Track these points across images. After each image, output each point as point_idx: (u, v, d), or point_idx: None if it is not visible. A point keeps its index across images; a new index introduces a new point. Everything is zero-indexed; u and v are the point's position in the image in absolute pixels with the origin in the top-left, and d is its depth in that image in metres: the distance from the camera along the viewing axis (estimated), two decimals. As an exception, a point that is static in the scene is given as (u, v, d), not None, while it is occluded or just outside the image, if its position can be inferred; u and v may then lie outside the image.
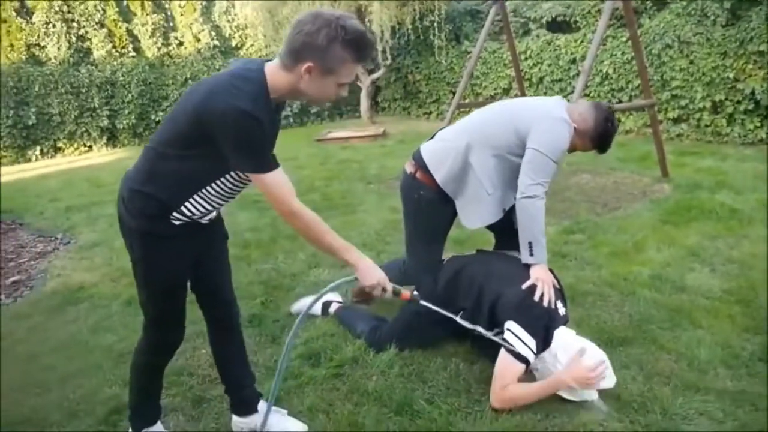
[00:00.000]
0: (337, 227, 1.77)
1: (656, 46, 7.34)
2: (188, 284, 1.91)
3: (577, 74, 7.91)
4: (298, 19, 1.58)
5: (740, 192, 4.73)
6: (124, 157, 9.54)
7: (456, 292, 2.41)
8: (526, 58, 9.06)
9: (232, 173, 1.71)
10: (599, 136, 2.53)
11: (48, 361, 2.79)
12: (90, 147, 11.02)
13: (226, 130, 1.54)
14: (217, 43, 11.87)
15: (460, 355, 2.54)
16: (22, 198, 6.74)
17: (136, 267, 1.82)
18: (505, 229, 2.66)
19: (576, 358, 2.12)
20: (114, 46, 11.24)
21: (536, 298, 2.23)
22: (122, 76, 10.98)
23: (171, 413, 2.26)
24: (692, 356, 2.40)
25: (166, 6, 11.74)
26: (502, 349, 2.17)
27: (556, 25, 9.07)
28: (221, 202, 1.79)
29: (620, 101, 7.77)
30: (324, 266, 3.71)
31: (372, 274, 1.78)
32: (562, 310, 2.29)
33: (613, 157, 6.26)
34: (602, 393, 2.19)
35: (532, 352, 2.14)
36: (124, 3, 11.33)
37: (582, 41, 8.38)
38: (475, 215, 2.57)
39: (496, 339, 2.15)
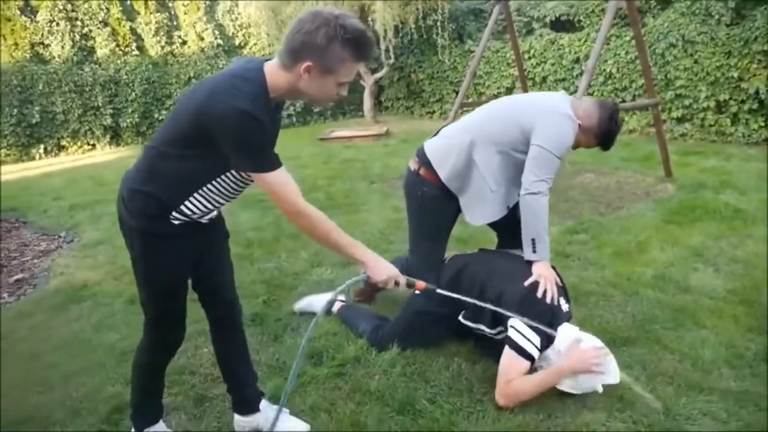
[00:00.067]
0: (341, 226, 1.76)
1: (660, 46, 7.32)
2: (190, 283, 1.91)
3: (581, 74, 7.90)
4: (298, 18, 1.57)
5: (744, 192, 4.71)
6: (128, 155, 9.56)
7: (458, 291, 2.41)
8: (529, 58, 9.04)
9: (232, 173, 1.70)
10: (603, 134, 2.52)
11: (51, 359, 2.79)
12: (93, 145, 11.05)
13: (227, 131, 1.54)
14: (220, 42, 11.88)
15: (463, 355, 2.53)
16: (25, 196, 6.76)
17: (136, 266, 1.82)
18: (508, 228, 2.65)
19: (574, 346, 2.12)
20: (117, 45, 11.26)
21: (539, 294, 2.22)
22: (126, 74, 11.01)
23: (173, 412, 2.26)
24: (696, 356, 2.39)
25: (170, 5, 11.75)
26: (507, 346, 2.17)
27: (560, 25, 9.05)
28: (222, 201, 1.79)
29: (624, 101, 7.75)
30: (327, 265, 3.71)
31: (383, 268, 1.79)
32: (565, 307, 2.28)
33: (617, 156, 6.25)
34: (605, 390, 2.18)
35: (537, 348, 2.13)
36: (128, 2, 11.34)
37: (585, 40, 8.36)
38: (479, 212, 2.56)
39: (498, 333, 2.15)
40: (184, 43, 11.78)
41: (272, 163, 1.62)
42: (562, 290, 2.35)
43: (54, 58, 10.81)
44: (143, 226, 1.73)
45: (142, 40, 11.52)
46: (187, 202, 1.71)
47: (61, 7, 10.73)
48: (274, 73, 1.60)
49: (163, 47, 11.55)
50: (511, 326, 2.17)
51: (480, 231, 3.69)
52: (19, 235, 5.13)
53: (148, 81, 11.17)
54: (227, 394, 2.16)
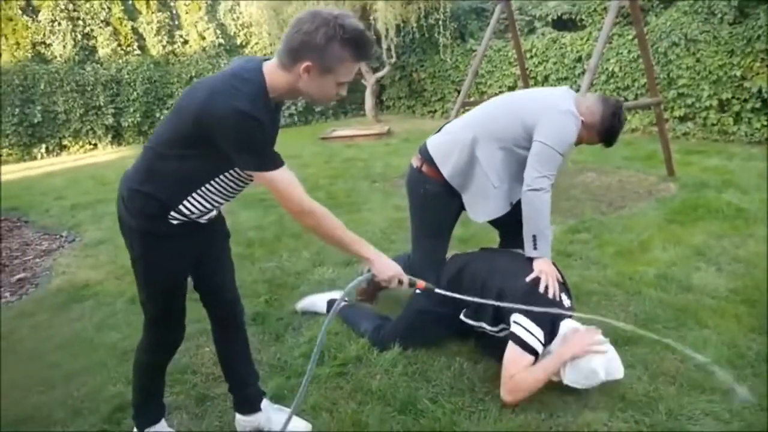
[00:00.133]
0: (342, 226, 1.76)
1: (663, 44, 7.30)
2: (190, 283, 1.91)
3: (583, 72, 7.89)
4: (297, 17, 1.56)
5: (747, 191, 4.70)
6: (129, 155, 9.56)
7: (459, 290, 2.40)
8: (531, 57, 9.03)
9: (231, 172, 1.70)
10: (606, 131, 2.51)
11: (52, 358, 2.79)
12: (95, 145, 11.07)
13: (227, 131, 1.53)
14: (222, 41, 11.89)
15: (464, 354, 2.53)
16: (27, 196, 6.77)
17: (136, 266, 1.82)
18: (511, 226, 2.65)
19: (570, 334, 2.12)
20: (119, 45, 11.27)
21: (541, 290, 2.22)
22: (127, 74, 11.02)
23: (174, 411, 2.26)
24: (698, 356, 2.38)
25: (172, 4, 11.76)
26: (510, 342, 2.16)
27: (562, 23, 9.04)
28: (220, 201, 1.79)
29: (626, 99, 7.73)
30: (328, 264, 3.71)
31: (388, 267, 1.79)
32: (567, 302, 2.28)
33: (619, 155, 6.24)
34: (607, 390, 2.18)
35: (540, 342, 2.13)
36: (130, 1, 11.36)
37: (588, 39, 8.35)
38: (481, 209, 2.56)
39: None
40: (186, 42, 11.79)
41: (275, 161, 1.61)
42: (563, 286, 2.35)
43: (56, 57, 10.82)
44: (143, 226, 1.73)
45: (144, 39, 11.53)
46: (185, 202, 1.71)
47: (63, 7, 10.74)
48: (273, 72, 1.60)
49: (164, 47, 11.56)
50: (514, 321, 2.16)
51: (481, 231, 3.69)
52: (21, 235, 5.14)
53: (149, 80, 11.18)
54: (229, 393, 2.16)
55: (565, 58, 8.66)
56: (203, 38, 11.75)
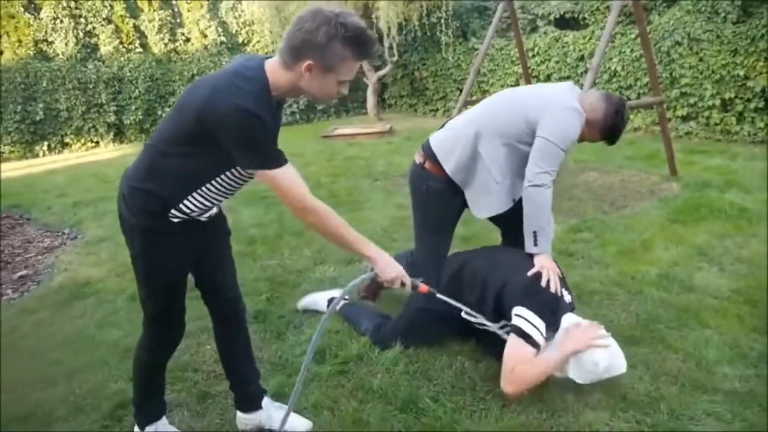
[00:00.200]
0: (343, 224, 1.76)
1: (666, 44, 7.28)
2: (191, 281, 1.91)
3: (585, 71, 7.86)
4: (298, 16, 1.56)
5: (749, 191, 4.68)
6: (131, 153, 9.57)
7: (460, 287, 2.40)
8: (533, 55, 9.02)
9: (233, 170, 1.70)
10: (608, 128, 2.49)
11: (54, 355, 2.80)
12: (97, 143, 11.08)
13: (229, 129, 1.53)
14: (223, 39, 11.89)
15: (466, 354, 2.52)
16: (29, 193, 6.78)
17: (136, 264, 1.82)
18: (513, 224, 2.64)
19: (571, 328, 2.12)
20: (121, 42, 11.28)
21: (543, 284, 2.22)
22: (129, 72, 11.02)
23: (176, 409, 2.26)
24: (700, 356, 2.38)
25: (173, 2, 11.76)
26: (512, 334, 2.15)
27: (564, 22, 9.02)
28: (220, 199, 1.79)
29: (629, 99, 7.71)
30: (330, 262, 3.71)
31: (391, 267, 1.78)
32: (567, 298, 2.28)
33: (621, 155, 6.23)
34: (609, 389, 2.17)
35: (542, 335, 2.12)
36: (132, -1, 11.36)
37: (590, 38, 8.33)
38: (484, 205, 2.55)
39: (499, 332, 2.13)
40: (188, 40, 11.79)
41: (277, 159, 1.61)
42: (563, 282, 2.35)
43: (58, 55, 10.83)
44: (143, 224, 1.73)
45: (146, 37, 11.54)
46: (186, 200, 1.71)
47: (65, 5, 10.75)
48: (275, 71, 1.59)
49: (166, 44, 11.56)
50: (516, 314, 2.16)
51: (483, 230, 3.68)
52: (23, 232, 5.15)
53: (151, 78, 11.19)
54: (230, 391, 2.16)
55: (567, 57, 8.65)
56: (205, 36, 11.75)
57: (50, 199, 6.33)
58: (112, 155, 9.82)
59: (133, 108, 11.07)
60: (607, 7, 7.96)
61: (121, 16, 11.22)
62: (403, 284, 1.82)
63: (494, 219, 2.70)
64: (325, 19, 1.51)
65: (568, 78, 8.64)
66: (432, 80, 11.22)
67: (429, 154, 2.58)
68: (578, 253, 3.64)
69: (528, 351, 2.11)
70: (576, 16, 8.78)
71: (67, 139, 10.88)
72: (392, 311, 2.82)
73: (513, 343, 2.14)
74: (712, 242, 3.66)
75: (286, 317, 3.00)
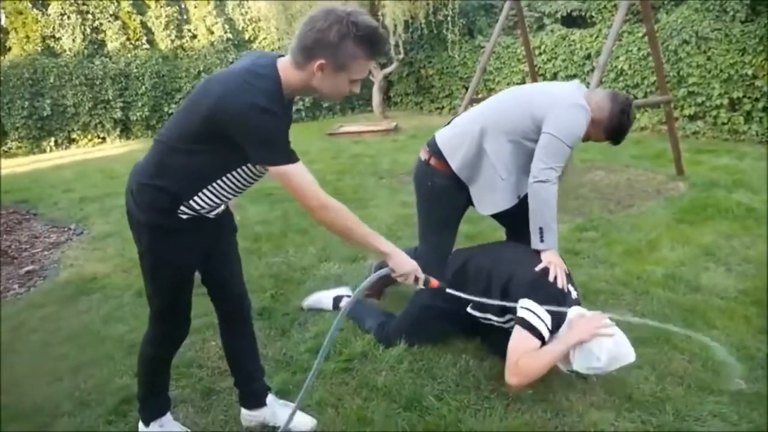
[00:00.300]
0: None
1: (673, 42, 7.24)
2: (197, 278, 1.91)
3: (592, 70, 7.83)
4: (310, 15, 1.57)
5: (757, 191, 4.65)
6: (137, 149, 9.60)
7: (465, 282, 2.39)
8: (540, 54, 8.98)
9: (244, 168, 1.70)
10: (613, 128, 2.48)
11: (60, 350, 2.81)
12: (103, 138, 11.12)
13: (244, 127, 1.54)
14: (230, 36, 11.90)
15: (470, 352, 2.52)
16: (36, 188, 6.81)
17: (143, 260, 1.82)
18: (518, 222, 2.64)
19: (576, 319, 2.10)
20: (128, 39, 11.31)
21: (550, 279, 2.21)
22: (136, 68, 11.05)
23: (180, 405, 2.27)
24: (706, 357, 2.36)
25: (180, -1, 11.79)
26: (516, 326, 2.14)
27: (571, 20, 8.98)
28: (230, 196, 1.79)
29: (636, 97, 7.67)
30: (334, 260, 3.71)
31: (406, 262, 1.79)
32: (574, 294, 2.27)
33: (628, 154, 6.20)
34: (614, 389, 2.17)
35: (547, 328, 2.11)
36: (139, -5, 11.39)
37: (597, 36, 8.29)
38: (489, 201, 2.54)
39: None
40: (194, 37, 11.81)
41: (289, 156, 1.61)
42: (569, 278, 2.34)
43: (65, 51, 10.88)
44: (152, 220, 1.73)
45: (153, 33, 11.57)
46: (196, 197, 1.71)
47: (72, 1, 10.80)
48: (286, 69, 1.60)
49: (173, 41, 11.59)
50: (522, 307, 2.15)
51: (488, 228, 3.67)
52: (30, 227, 5.17)
53: (158, 74, 11.21)
54: (234, 387, 2.17)
55: (574, 56, 8.61)
56: (211, 33, 11.77)
57: (57, 195, 6.36)
58: (118, 151, 9.86)
59: (140, 104, 11.10)
60: (615, 5, 7.92)
61: (128, 12, 11.25)
62: (416, 279, 1.82)
63: (498, 217, 2.69)
64: (337, 18, 1.51)
65: (574, 76, 8.61)
66: (438, 78, 11.19)
67: (434, 150, 2.58)
68: (584, 252, 3.62)
69: (533, 343, 2.10)
70: (583, 14, 8.74)
71: (73, 135, 10.93)
72: (397, 309, 2.82)
73: (518, 335, 2.13)
74: (719, 242, 3.64)
75: (290, 314, 3.00)
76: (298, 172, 1.61)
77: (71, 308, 3.32)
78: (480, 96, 7.12)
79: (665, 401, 2.11)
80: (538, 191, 2.34)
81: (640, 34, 7.51)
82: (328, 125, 10.48)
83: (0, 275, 3.95)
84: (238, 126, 1.54)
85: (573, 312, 2.16)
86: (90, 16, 11.01)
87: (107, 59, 11.03)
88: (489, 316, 2.36)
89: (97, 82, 10.79)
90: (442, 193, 2.57)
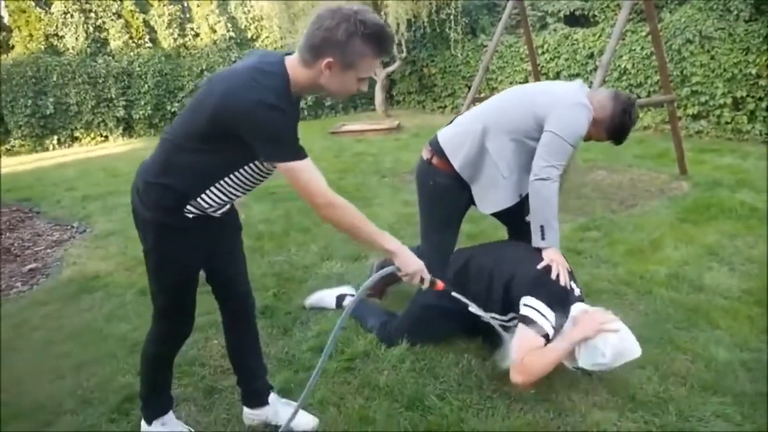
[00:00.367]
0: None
1: (677, 41, 7.21)
2: (202, 276, 1.91)
3: (595, 69, 7.81)
4: (318, 14, 1.57)
5: (761, 191, 4.63)
6: (140, 147, 9.61)
7: (466, 282, 2.39)
8: (543, 53, 8.96)
9: (251, 166, 1.70)
10: (615, 128, 2.48)
11: (63, 348, 2.81)
12: (106, 137, 11.14)
13: (252, 124, 1.54)
14: (232, 34, 11.90)
15: (472, 351, 2.51)
16: (39, 186, 6.82)
17: (148, 258, 1.82)
18: (519, 220, 2.63)
19: (579, 315, 2.10)
20: (131, 37, 11.32)
21: (553, 277, 2.20)
22: (139, 66, 11.07)
23: (183, 403, 2.27)
24: (710, 357, 2.36)
25: (183, -3, 11.80)
26: (520, 324, 2.13)
27: (574, 19, 8.96)
28: (238, 194, 1.79)
29: (639, 97, 7.65)
30: (336, 259, 3.71)
31: (412, 261, 1.78)
32: (576, 291, 2.27)
33: (630, 153, 6.18)
34: (617, 389, 2.16)
35: (551, 325, 2.10)
36: (141, -6, 11.40)
37: (600, 35, 8.27)
38: (490, 200, 2.54)
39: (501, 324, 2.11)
40: (197, 35, 11.82)
41: (298, 152, 1.61)
42: (572, 275, 2.34)
43: (68, 49, 10.90)
44: (158, 219, 1.73)
45: (155, 32, 11.58)
46: (203, 195, 1.71)
47: (75, -1, 10.81)
48: (294, 67, 1.60)
49: (175, 39, 11.60)
50: (525, 304, 2.14)
51: (491, 227, 3.67)
52: (33, 225, 5.18)
53: (160, 73, 11.22)
54: (237, 386, 2.17)
55: (577, 55, 8.59)
56: (214, 31, 11.77)
57: (60, 193, 6.37)
58: (121, 149, 9.87)
59: (143, 103, 11.11)
60: (618, 4, 7.90)
61: (131, 11, 11.26)
62: (421, 280, 1.80)
63: (500, 216, 2.69)
64: (344, 17, 1.52)
65: (577, 75, 8.58)
66: (440, 77, 11.18)
67: (437, 150, 2.57)
68: (586, 251, 3.62)
69: (537, 341, 2.09)
70: (586, 13, 8.72)
71: (76, 133, 10.95)
72: (399, 308, 2.82)
73: (522, 333, 2.12)
74: (722, 242, 3.63)
75: (292, 313, 3.00)
76: (305, 168, 1.61)
77: (74, 306, 3.32)
78: (483, 95, 7.10)
79: (668, 401, 2.11)
80: (539, 189, 2.34)
81: (644, 33, 7.49)
82: (330, 124, 10.47)
83: (2, 273, 3.96)
84: (245, 123, 1.54)
85: (577, 309, 2.16)
86: (93, 14, 11.03)
87: (110, 58, 11.05)
88: (492, 315, 2.35)
89: (100, 81, 10.81)
90: (444, 192, 2.57)
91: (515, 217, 2.66)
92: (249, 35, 12.24)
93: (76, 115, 10.81)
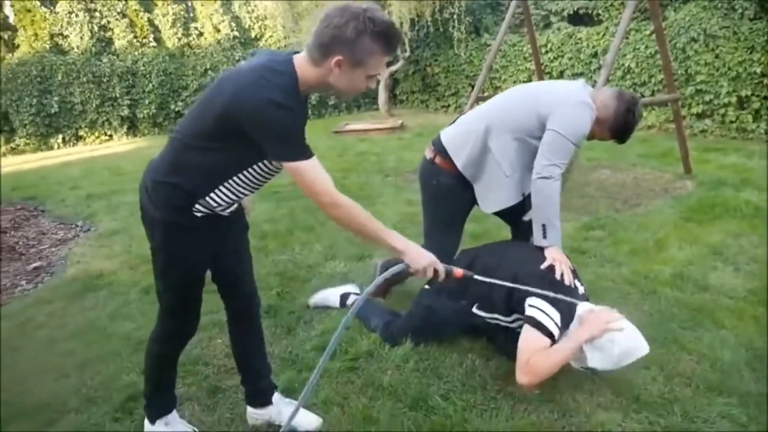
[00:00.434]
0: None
1: (681, 40, 7.18)
2: (208, 275, 1.91)
3: (599, 68, 7.78)
4: (326, 13, 1.57)
5: (765, 190, 4.61)
6: (144, 146, 9.63)
7: (470, 282, 2.38)
8: (546, 52, 8.94)
9: (260, 164, 1.70)
10: (618, 127, 2.47)
11: (67, 346, 2.82)
12: (111, 136, 11.17)
13: (260, 123, 1.54)
14: (236, 34, 11.92)
15: (476, 351, 2.51)
16: (44, 185, 6.85)
17: (156, 257, 1.82)
18: (522, 222, 2.63)
19: (585, 315, 2.09)
20: (135, 36, 11.35)
21: (557, 276, 2.20)
22: (143, 66, 11.09)
23: (186, 402, 2.27)
24: (715, 357, 2.34)
25: (187, -4, 11.82)
26: (526, 325, 2.12)
27: (578, 18, 8.93)
28: (246, 193, 1.79)
29: (643, 96, 7.62)
30: (340, 258, 3.71)
31: (422, 256, 1.77)
32: (581, 289, 2.26)
33: (634, 153, 6.16)
34: (621, 390, 2.15)
35: (557, 326, 2.09)
36: (145, -7, 11.42)
37: (604, 34, 8.24)
38: (493, 198, 2.54)
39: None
40: (201, 34, 11.84)
41: (306, 152, 1.61)
42: (576, 274, 2.33)
43: (73, 48, 10.92)
44: (167, 217, 1.73)
45: (159, 31, 11.60)
46: (212, 194, 1.71)
47: (80, -2, 10.84)
48: (303, 66, 1.60)
49: (179, 39, 11.61)
50: (530, 305, 2.13)
51: (494, 226, 3.66)
52: (38, 224, 5.20)
53: (164, 72, 11.24)
54: (240, 385, 2.17)
55: (581, 54, 8.57)
56: (218, 31, 11.79)
57: (64, 192, 6.39)
58: (125, 148, 9.89)
59: (147, 102, 11.14)
60: (622, 3, 7.87)
61: (136, 10, 11.28)
62: (436, 272, 1.78)
63: (503, 215, 2.68)
64: (353, 15, 1.52)
65: (581, 74, 8.56)
66: (444, 76, 11.17)
67: (440, 149, 2.57)
68: (590, 251, 3.61)
69: (543, 341, 2.08)
70: (590, 12, 8.69)
71: (81, 132, 10.98)
72: (402, 308, 2.81)
73: (527, 333, 2.11)
74: (727, 241, 3.61)
75: (296, 312, 3.00)
76: (311, 167, 1.61)
77: (78, 305, 3.33)
78: (486, 94, 7.09)
79: (673, 402, 2.10)
80: (541, 188, 2.34)
81: (648, 32, 7.46)
82: (333, 123, 10.47)
83: (7, 271, 3.97)
84: (254, 122, 1.54)
85: (582, 308, 2.15)
86: (97, 14, 11.06)
87: (114, 57, 11.08)
88: (496, 316, 2.35)
89: (105, 80, 10.84)
90: (448, 191, 2.56)
91: (518, 217, 2.65)
92: (253, 35, 12.25)
93: (80, 114, 10.84)
